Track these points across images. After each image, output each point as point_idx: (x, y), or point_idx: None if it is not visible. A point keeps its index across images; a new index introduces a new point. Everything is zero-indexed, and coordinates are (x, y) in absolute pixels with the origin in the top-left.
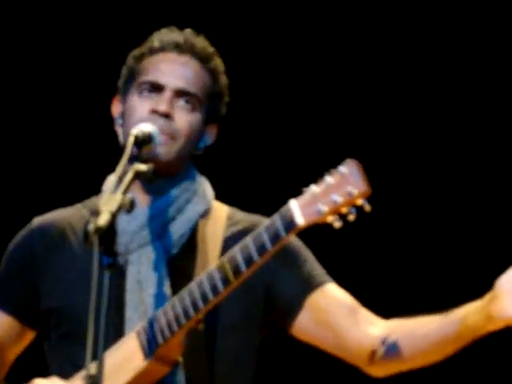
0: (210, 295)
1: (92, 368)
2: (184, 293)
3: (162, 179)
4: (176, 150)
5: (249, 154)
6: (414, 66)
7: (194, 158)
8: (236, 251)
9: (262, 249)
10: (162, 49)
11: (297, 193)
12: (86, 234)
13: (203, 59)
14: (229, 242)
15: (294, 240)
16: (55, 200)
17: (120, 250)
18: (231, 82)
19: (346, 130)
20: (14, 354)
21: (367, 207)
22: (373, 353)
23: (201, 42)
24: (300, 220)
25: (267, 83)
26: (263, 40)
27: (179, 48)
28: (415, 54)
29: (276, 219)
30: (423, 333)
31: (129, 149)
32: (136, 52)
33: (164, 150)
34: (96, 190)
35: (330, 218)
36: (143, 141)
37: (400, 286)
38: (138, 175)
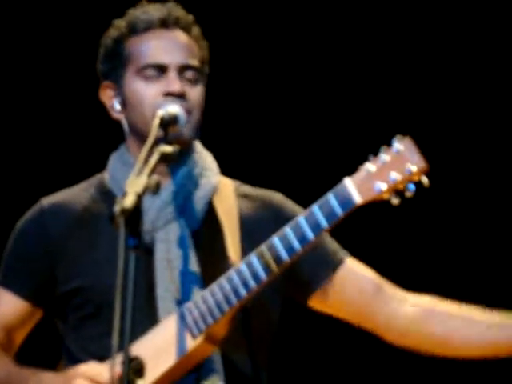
0: (253, 283)
1: (132, 351)
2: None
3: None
4: (194, 124)
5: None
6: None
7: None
8: (291, 234)
9: (317, 227)
10: (148, 28)
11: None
12: (111, 215)
13: (188, 29)
14: (245, 216)
15: None
16: (58, 180)
17: (146, 228)
18: (258, 70)
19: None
20: (23, 335)
21: (426, 182)
22: (405, 332)
23: (182, 12)
24: (357, 198)
25: (298, 72)
26: (285, 24)
27: (166, 23)
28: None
29: (330, 198)
30: (485, 323)
31: (154, 130)
32: (114, 33)
33: (188, 128)
34: (99, 168)
35: (387, 196)
36: (168, 122)
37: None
38: (164, 157)
